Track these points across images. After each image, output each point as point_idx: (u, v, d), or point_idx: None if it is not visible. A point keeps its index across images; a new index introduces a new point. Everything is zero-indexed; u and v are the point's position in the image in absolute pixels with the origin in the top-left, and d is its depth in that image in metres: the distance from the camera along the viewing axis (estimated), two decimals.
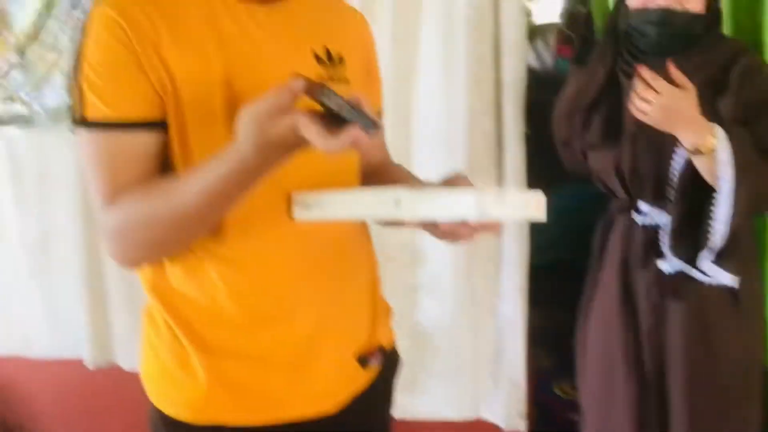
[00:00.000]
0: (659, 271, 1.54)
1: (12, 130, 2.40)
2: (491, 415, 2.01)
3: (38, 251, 2.48)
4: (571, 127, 1.65)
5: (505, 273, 1.91)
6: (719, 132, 1.38)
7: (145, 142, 0.96)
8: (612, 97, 1.58)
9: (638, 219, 1.58)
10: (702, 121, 1.40)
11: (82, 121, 0.96)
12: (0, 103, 2.40)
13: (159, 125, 0.96)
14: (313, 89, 0.81)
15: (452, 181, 0.98)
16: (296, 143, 0.82)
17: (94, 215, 1.00)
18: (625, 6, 1.53)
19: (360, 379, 1.12)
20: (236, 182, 0.87)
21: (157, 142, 0.97)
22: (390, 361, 1.20)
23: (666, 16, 1.44)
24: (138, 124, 0.95)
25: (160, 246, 0.98)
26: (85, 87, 0.95)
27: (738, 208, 1.39)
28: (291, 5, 1.04)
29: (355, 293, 1.13)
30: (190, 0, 0.98)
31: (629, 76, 1.50)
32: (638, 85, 1.41)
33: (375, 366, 1.14)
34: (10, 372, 2.68)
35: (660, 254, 1.54)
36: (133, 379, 2.46)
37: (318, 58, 1.05)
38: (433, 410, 2.05)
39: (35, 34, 2.31)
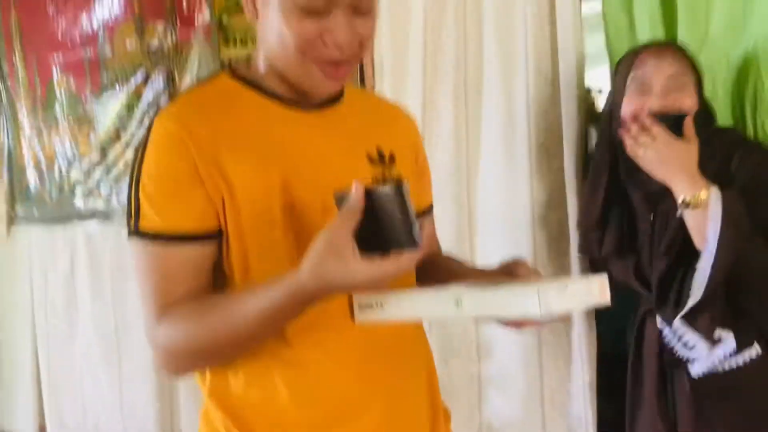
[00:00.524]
0: (689, 374, 1.49)
1: (91, 225, 2.53)
2: None
3: (112, 340, 2.56)
4: (587, 242, 1.65)
5: (575, 369, 1.84)
6: (714, 189, 1.35)
7: (198, 254, 0.97)
8: (621, 207, 1.56)
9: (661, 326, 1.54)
10: (698, 175, 1.36)
11: (136, 232, 0.96)
12: (81, 199, 2.54)
13: (212, 236, 0.97)
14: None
15: (511, 268, 0.97)
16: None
17: (145, 332, 0.99)
18: (619, 114, 1.51)
19: None
20: (294, 308, 0.89)
21: (210, 254, 0.98)
22: None
23: (661, 120, 1.41)
24: (193, 237, 0.96)
25: (212, 361, 1.00)
26: (142, 198, 0.95)
27: (720, 266, 1.33)
28: (341, 109, 1.08)
29: (414, 395, 1.10)
30: (246, 109, 1.02)
31: (635, 185, 1.51)
32: (633, 129, 1.41)
33: None
34: None
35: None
36: None
37: (371, 159, 1.07)
38: None
39: (116, 134, 2.46)
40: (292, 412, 1.00)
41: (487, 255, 1.92)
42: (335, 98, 1.07)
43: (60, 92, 2.57)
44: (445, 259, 1.24)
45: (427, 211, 1.24)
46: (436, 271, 1.16)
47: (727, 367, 1.45)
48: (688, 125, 1.40)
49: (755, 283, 1.42)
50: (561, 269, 1.85)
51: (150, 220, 0.95)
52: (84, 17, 2.48)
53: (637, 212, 1.54)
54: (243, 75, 1.04)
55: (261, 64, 1.03)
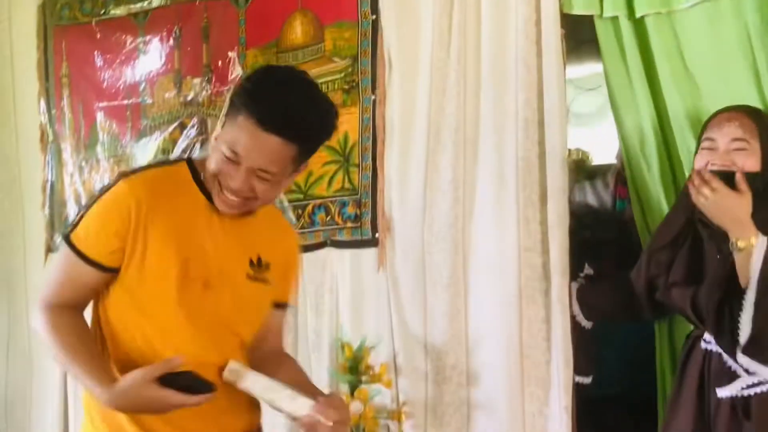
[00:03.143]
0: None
1: None
2: None
3: None
4: (658, 265, 1.84)
5: (553, 395, 2.08)
6: (761, 238, 1.58)
7: (93, 277, 1.38)
8: (693, 239, 1.78)
9: (708, 347, 1.73)
10: (749, 224, 1.60)
11: (68, 239, 1.38)
12: None
13: (107, 271, 1.38)
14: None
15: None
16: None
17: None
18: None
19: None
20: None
21: (99, 281, 1.38)
22: None
23: (720, 177, 1.62)
24: (96, 265, 1.37)
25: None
26: (85, 222, 1.37)
27: (760, 303, 1.56)
28: (250, 221, 1.46)
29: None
30: (186, 197, 1.41)
31: (705, 226, 1.72)
32: (696, 179, 1.65)
33: None
34: None
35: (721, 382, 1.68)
36: None
37: (251, 263, 1.46)
38: None
39: None
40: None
41: (480, 292, 2.19)
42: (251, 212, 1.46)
43: (102, 134, 2.85)
44: (284, 362, 1.60)
45: (281, 306, 1.60)
46: (280, 367, 1.53)
47: (759, 392, 1.62)
48: (739, 180, 1.62)
49: None
50: (544, 306, 2.10)
51: (80, 238, 1.37)
52: (128, 70, 2.79)
53: (706, 249, 1.74)
54: (195, 169, 1.44)
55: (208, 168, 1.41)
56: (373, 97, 2.35)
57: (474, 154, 2.18)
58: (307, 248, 2.43)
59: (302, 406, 1.35)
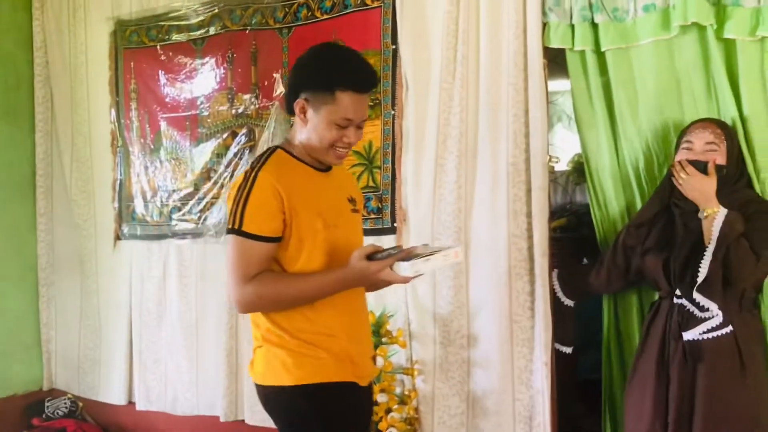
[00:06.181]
0: (686, 341, 2.14)
1: (183, 241, 3.30)
2: None
3: (192, 331, 3.31)
4: (637, 237, 2.31)
5: (536, 353, 2.56)
6: (722, 209, 2.09)
7: (270, 248, 1.77)
8: (666, 218, 2.26)
9: (676, 301, 2.19)
10: (714, 199, 2.10)
11: (239, 231, 1.72)
12: (177, 221, 3.33)
13: (279, 240, 1.77)
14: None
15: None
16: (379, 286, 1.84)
17: (232, 289, 1.75)
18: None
19: (375, 370, 2.06)
20: (338, 287, 1.78)
21: (275, 249, 1.78)
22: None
23: (696, 166, 2.13)
24: (271, 239, 1.76)
25: (282, 307, 1.82)
26: (247, 213, 1.72)
27: (717, 253, 2.05)
28: (334, 174, 1.94)
29: (368, 330, 2.04)
30: (298, 171, 1.84)
31: (678, 207, 2.22)
32: (677, 166, 2.17)
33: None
34: (160, 425, 3.44)
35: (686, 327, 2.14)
36: (253, 430, 3.18)
37: (348, 201, 1.97)
38: None
39: (207, 174, 3.24)
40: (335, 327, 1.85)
41: (478, 270, 2.66)
42: (329, 168, 1.94)
43: (165, 140, 3.35)
44: None
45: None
46: None
47: (710, 337, 2.11)
48: (710, 167, 2.12)
49: (734, 268, 2.07)
50: (529, 282, 2.58)
51: (252, 226, 1.73)
52: (188, 87, 3.30)
53: (677, 225, 2.21)
54: (290, 151, 1.87)
55: (298, 145, 1.85)
56: (392, 112, 2.82)
57: (474, 159, 2.67)
58: None
59: (457, 251, 1.70)
